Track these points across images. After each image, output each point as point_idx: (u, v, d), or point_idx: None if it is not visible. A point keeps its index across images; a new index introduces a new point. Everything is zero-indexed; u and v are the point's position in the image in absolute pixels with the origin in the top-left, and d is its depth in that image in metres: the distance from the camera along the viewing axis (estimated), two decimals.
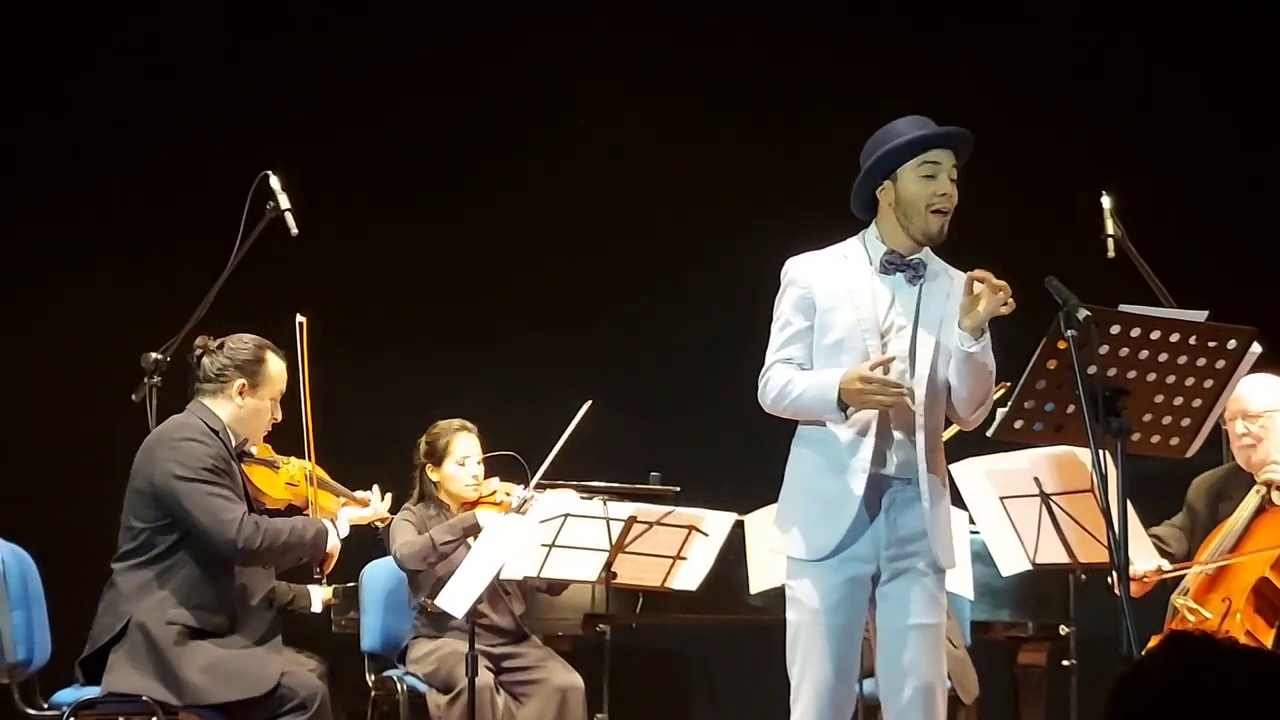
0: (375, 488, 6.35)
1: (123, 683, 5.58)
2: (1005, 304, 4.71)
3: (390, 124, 8.82)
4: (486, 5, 9.00)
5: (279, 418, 5.99)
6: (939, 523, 4.87)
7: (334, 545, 5.97)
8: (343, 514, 6.12)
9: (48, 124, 8.51)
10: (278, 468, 6.11)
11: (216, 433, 5.79)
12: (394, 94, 8.81)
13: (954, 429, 5.31)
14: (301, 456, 6.14)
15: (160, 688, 5.55)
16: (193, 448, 5.70)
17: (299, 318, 6.08)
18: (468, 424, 6.93)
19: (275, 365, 5.93)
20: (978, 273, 4.74)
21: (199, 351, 5.91)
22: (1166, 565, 6.04)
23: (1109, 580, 4.51)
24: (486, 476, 6.93)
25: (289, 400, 6.04)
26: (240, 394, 5.86)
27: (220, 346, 5.90)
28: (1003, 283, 4.71)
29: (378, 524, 6.45)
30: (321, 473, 6.15)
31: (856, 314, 4.87)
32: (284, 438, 6.16)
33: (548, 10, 8.95)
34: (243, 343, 5.91)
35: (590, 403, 6.44)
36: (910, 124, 4.91)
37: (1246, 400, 6.06)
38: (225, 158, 7.72)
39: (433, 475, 6.89)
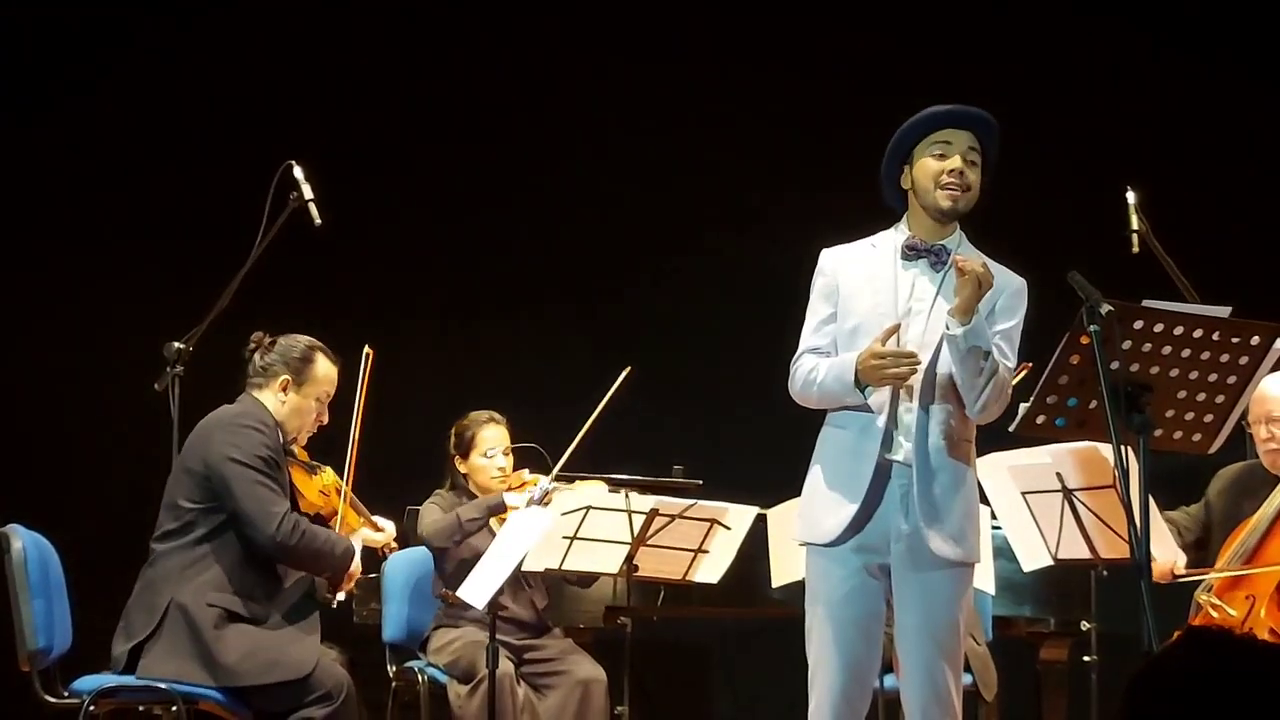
0: (391, 522, 6.41)
1: (158, 668, 5.61)
2: (982, 283, 4.70)
3: (413, 114, 8.82)
4: None
5: (326, 420, 6.05)
6: (950, 515, 4.81)
7: (355, 567, 6.02)
8: (361, 534, 6.17)
9: (73, 115, 8.53)
10: (314, 474, 6.16)
11: (273, 428, 5.87)
12: (417, 83, 8.81)
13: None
14: (338, 469, 6.20)
15: (197, 669, 5.58)
16: (251, 435, 5.78)
17: (366, 349, 6.16)
18: (496, 416, 6.97)
19: (323, 366, 6.00)
20: (958, 261, 4.75)
21: (252, 346, 6.00)
22: (1182, 564, 6.02)
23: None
24: (516, 468, 6.96)
25: (340, 421, 6.13)
26: (284, 389, 5.93)
27: (273, 343, 5.98)
28: (974, 267, 4.70)
29: (385, 551, 6.47)
30: (351, 494, 6.20)
31: (874, 299, 4.88)
32: (329, 457, 6.24)
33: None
34: (294, 341, 6.00)
35: (629, 369, 6.44)
36: (928, 109, 4.93)
37: (1270, 404, 6.02)
38: (250, 147, 7.72)
39: (461, 467, 6.94)
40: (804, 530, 4.94)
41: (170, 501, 5.80)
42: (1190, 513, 6.32)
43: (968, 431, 4.91)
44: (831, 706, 4.86)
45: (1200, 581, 6.01)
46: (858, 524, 4.82)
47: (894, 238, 4.98)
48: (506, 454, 6.93)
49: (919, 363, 4.76)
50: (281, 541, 5.70)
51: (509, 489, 6.89)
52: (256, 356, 5.97)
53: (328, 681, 5.64)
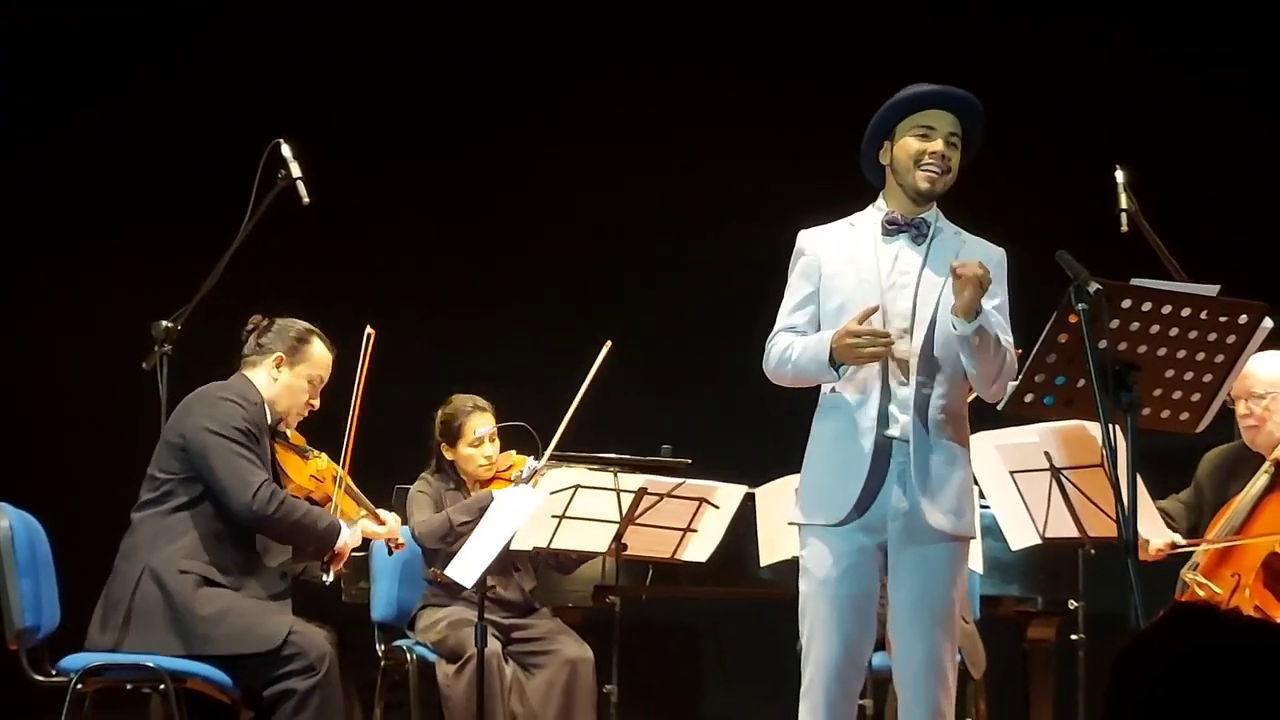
0: (395, 515, 6.39)
1: (135, 642, 5.62)
2: (982, 284, 4.69)
3: (407, 97, 8.80)
4: None
5: (317, 404, 6.05)
6: (946, 491, 4.84)
7: (343, 544, 5.96)
8: (360, 524, 6.13)
9: (63, 96, 8.51)
10: (307, 458, 6.14)
11: (256, 404, 5.87)
12: (412, 66, 8.80)
13: (974, 394, 5.28)
14: (335, 457, 6.17)
15: (171, 636, 5.59)
16: (229, 407, 5.79)
17: (368, 329, 6.13)
18: (481, 402, 6.94)
19: (319, 349, 6.02)
20: (955, 266, 4.73)
21: (250, 327, 6.04)
22: (1180, 540, 6.03)
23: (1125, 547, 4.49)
24: (504, 449, 6.95)
25: (339, 406, 6.10)
26: (277, 366, 5.95)
27: (270, 324, 6.02)
28: (974, 271, 4.70)
29: (391, 545, 6.43)
30: (349, 481, 6.16)
31: (858, 275, 4.89)
32: (325, 441, 6.22)
33: None
34: (292, 322, 6.04)
35: (610, 344, 6.45)
36: (914, 87, 4.93)
37: (1250, 380, 6.03)
38: (239, 125, 7.71)
39: (448, 454, 6.92)
40: (805, 512, 4.92)
41: (149, 473, 5.83)
42: (1181, 499, 6.32)
43: (962, 407, 4.93)
44: (824, 684, 4.86)
45: (1187, 559, 6.03)
46: (861, 504, 4.82)
47: (873, 215, 4.99)
48: (493, 440, 6.92)
49: (893, 342, 4.77)
50: (258, 510, 5.69)
51: (497, 475, 6.88)
52: (253, 337, 6.00)
53: (311, 653, 5.64)
